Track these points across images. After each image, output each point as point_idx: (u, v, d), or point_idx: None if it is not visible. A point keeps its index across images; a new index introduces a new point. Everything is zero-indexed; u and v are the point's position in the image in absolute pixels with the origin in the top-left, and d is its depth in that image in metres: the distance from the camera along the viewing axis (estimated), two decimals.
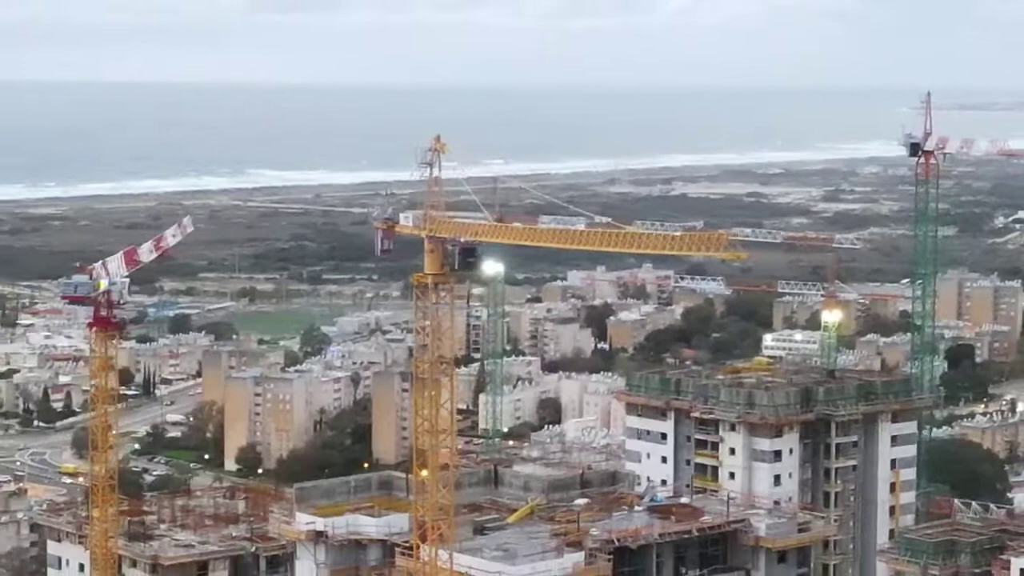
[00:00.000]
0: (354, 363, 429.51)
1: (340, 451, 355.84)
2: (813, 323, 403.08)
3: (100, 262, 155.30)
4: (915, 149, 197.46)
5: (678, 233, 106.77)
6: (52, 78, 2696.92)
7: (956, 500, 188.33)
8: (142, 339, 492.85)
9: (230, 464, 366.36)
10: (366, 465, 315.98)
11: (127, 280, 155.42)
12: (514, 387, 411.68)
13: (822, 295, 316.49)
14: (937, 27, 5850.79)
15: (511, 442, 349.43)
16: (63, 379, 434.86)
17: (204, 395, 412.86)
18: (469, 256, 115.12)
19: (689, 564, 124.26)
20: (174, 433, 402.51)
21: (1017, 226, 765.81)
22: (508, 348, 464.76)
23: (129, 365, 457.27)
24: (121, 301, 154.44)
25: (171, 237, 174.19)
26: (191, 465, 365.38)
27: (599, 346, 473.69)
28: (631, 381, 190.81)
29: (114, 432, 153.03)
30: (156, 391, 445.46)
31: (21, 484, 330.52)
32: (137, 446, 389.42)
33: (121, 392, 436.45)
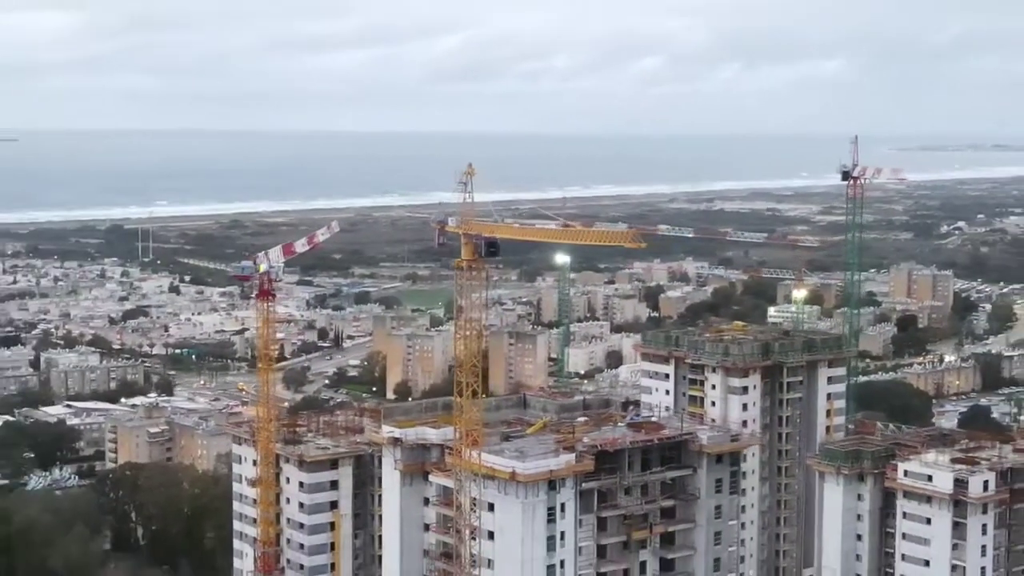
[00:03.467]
0: (480, 325, 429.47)
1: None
2: (807, 300, 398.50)
3: (264, 251, 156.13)
4: (846, 175, 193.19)
5: (605, 230, 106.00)
6: (297, 128, 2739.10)
7: (878, 423, 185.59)
8: (336, 307, 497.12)
9: (390, 395, 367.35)
10: (484, 395, 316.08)
11: (282, 265, 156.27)
12: (590, 342, 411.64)
13: (793, 280, 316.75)
14: (915, 87, 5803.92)
15: (584, 380, 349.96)
16: (279, 335, 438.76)
17: (374, 347, 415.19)
18: (491, 247, 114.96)
19: (653, 463, 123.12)
20: (353, 373, 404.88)
21: (955, 232, 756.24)
22: (588, 315, 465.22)
23: (325, 326, 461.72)
24: (277, 280, 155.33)
25: (320, 235, 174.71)
26: (363, 395, 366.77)
27: (652, 315, 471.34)
28: (645, 337, 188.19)
29: (272, 370, 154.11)
30: (343, 344, 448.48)
31: (244, 406, 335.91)
32: (327, 382, 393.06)
33: (317, 344, 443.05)
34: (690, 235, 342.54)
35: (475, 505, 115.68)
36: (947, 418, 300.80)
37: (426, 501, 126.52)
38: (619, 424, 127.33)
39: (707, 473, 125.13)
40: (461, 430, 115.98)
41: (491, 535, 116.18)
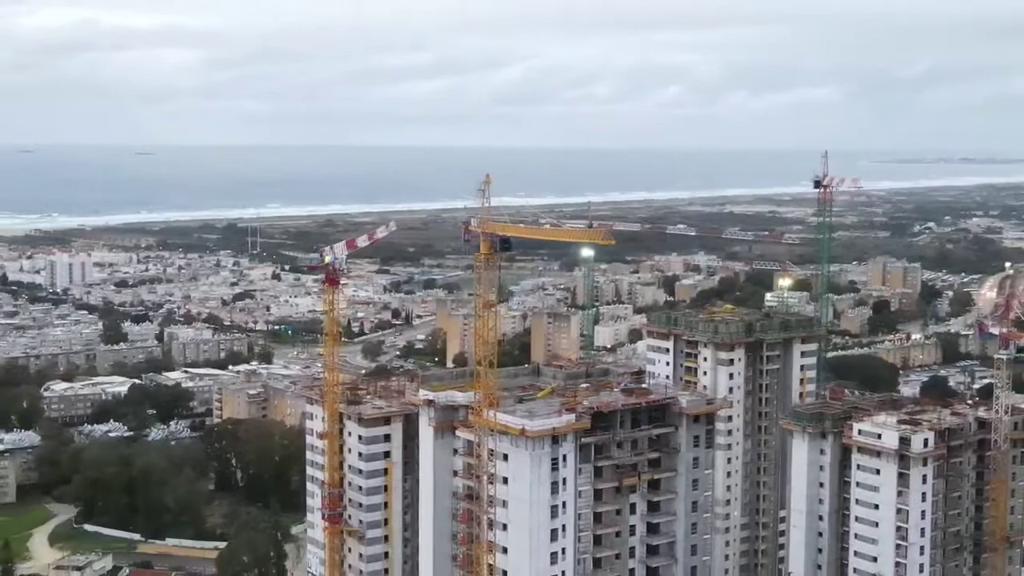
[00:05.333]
0: (525, 307, 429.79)
1: (512, 356, 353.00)
2: (798, 287, 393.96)
3: (330, 246, 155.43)
4: (817, 184, 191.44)
5: (582, 229, 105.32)
6: (382, 143, 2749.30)
7: (847, 390, 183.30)
8: (407, 292, 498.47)
9: (449, 364, 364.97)
10: (526, 364, 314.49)
11: (345, 257, 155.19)
12: (615, 321, 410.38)
13: (777, 270, 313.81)
14: (893, 110, 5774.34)
15: (609, 353, 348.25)
16: (360, 314, 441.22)
17: (437, 324, 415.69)
18: (505, 244, 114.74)
19: (641, 422, 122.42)
20: (420, 346, 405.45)
21: (926, 231, 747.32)
22: (615, 299, 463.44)
23: (398, 307, 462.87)
24: (342, 269, 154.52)
25: (379, 233, 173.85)
26: (427, 364, 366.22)
27: (668, 299, 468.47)
28: (650, 318, 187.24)
29: (338, 344, 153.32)
30: (412, 322, 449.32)
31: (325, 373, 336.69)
32: (398, 353, 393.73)
33: (391, 322, 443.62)
34: (693, 233, 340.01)
35: (492, 455, 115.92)
36: (911, 386, 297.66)
37: (454, 451, 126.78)
38: (614, 390, 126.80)
39: (687, 430, 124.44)
40: (481, 394, 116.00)
41: (505, 480, 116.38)
